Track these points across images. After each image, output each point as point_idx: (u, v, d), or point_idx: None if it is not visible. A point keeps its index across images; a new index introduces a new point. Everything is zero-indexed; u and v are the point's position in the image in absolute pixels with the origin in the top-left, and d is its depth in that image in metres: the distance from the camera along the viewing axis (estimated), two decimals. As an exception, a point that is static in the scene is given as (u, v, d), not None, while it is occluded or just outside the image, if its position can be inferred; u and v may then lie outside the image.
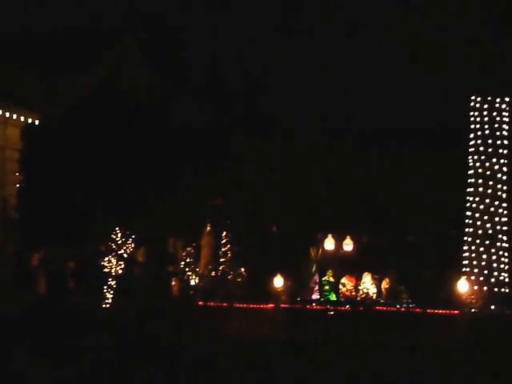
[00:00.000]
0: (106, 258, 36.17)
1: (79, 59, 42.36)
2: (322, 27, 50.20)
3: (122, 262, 36.32)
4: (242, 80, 50.11)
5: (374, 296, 36.23)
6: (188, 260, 37.18)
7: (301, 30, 50.70)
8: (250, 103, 49.14)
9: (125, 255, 36.51)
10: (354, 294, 36.28)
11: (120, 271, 36.26)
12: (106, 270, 36.03)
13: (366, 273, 36.69)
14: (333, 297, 36.78)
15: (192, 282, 36.76)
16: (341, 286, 36.76)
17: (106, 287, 35.64)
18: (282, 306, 34.70)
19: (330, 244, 37.71)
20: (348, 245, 38.18)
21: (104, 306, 35.18)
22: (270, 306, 34.52)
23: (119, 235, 36.28)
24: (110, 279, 35.87)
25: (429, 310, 34.23)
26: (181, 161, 44.14)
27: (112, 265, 36.13)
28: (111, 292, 35.63)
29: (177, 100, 47.58)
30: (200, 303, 34.96)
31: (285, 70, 50.31)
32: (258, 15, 50.14)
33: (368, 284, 36.30)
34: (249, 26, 49.61)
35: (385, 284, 36.85)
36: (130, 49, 46.36)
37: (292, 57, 50.46)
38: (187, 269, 37.01)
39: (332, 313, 34.64)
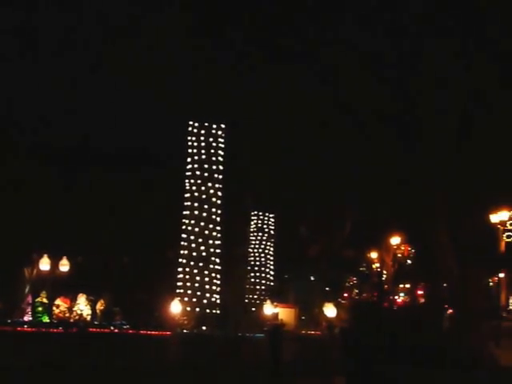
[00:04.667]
0: None
1: None
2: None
3: None
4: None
5: (89, 317, 35.97)
6: None
7: None
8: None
9: None
10: (67, 315, 35.79)
11: None
12: None
13: (81, 294, 36.35)
14: (45, 318, 35.93)
15: None
16: (54, 308, 36.08)
17: None
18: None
19: (45, 264, 36.70)
20: (64, 265, 37.39)
21: None
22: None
23: None
24: None
25: (142, 331, 34.56)
26: None
27: None
28: None
29: None
30: None
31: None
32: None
33: (82, 305, 35.99)
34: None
35: (100, 305, 36.76)
36: None
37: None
38: None
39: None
